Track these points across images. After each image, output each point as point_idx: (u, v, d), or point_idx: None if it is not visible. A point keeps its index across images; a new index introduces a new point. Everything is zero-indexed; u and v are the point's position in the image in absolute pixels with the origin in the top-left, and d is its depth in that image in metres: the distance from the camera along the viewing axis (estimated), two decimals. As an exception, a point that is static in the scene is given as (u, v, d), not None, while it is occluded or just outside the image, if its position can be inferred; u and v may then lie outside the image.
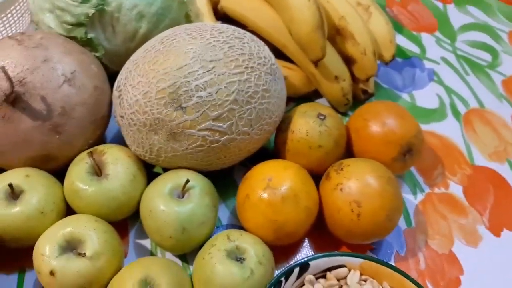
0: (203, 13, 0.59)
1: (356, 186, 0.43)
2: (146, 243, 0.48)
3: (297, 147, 0.47)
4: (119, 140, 0.52)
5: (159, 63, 0.42)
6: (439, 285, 0.47)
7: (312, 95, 0.60)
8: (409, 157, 0.49)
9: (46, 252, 0.39)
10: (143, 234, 0.48)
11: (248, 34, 0.47)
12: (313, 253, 0.48)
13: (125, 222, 0.48)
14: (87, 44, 0.50)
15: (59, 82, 0.43)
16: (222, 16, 0.61)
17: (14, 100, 0.42)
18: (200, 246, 0.44)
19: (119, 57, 0.52)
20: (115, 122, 0.48)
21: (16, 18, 0.60)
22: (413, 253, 0.49)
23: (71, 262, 0.38)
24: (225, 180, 0.52)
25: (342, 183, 0.44)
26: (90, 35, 0.49)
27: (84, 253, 0.39)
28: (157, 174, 0.46)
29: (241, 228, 0.46)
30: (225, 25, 0.47)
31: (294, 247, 0.48)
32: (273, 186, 0.43)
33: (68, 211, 0.44)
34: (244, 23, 0.58)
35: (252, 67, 0.43)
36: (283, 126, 0.49)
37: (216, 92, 0.41)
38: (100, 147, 0.46)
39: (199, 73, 0.41)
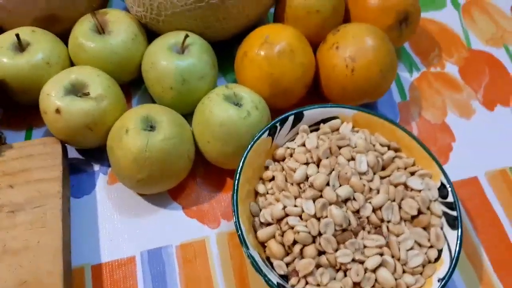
0: None
1: (352, 43, 0.44)
2: (149, 107, 0.49)
3: (296, 13, 0.48)
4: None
5: None
6: (431, 150, 0.48)
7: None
8: (405, 27, 0.50)
9: (52, 93, 0.40)
10: (146, 100, 0.50)
11: None
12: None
13: (128, 90, 0.50)
14: None
15: None
16: None
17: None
18: (200, 106, 0.45)
19: None
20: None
21: None
22: (406, 122, 0.50)
23: (76, 102, 0.40)
24: (225, 57, 0.54)
25: (338, 42, 0.45)
26: None
27: (88, 92, 0.41)
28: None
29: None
30: None
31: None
32: (270, 42, 0.44)
33: (73, 69, 0.46)
34: None
35: None
36: (281, -6, 0.49)
37: None
38: (103, 10, 0.47)
39: None
